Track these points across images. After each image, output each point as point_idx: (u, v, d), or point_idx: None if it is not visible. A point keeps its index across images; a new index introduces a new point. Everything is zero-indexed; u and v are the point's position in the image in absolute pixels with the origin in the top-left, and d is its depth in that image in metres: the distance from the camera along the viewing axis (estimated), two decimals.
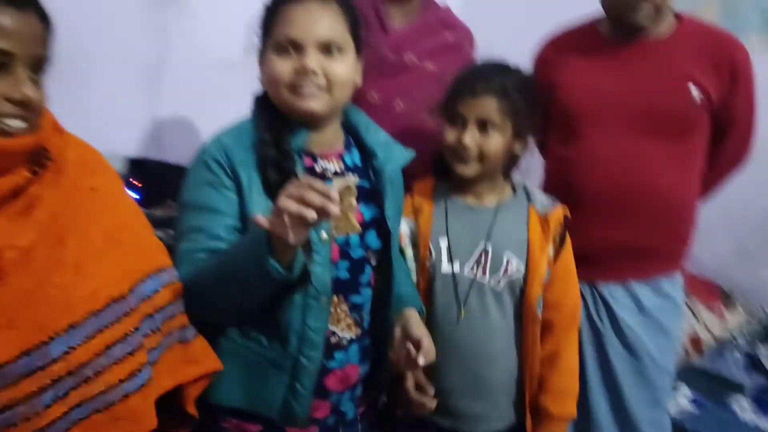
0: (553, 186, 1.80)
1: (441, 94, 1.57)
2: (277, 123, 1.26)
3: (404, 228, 1.54)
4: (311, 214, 0.99)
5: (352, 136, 1.41)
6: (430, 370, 1.39)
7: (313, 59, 1.23)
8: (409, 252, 1.52)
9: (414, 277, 1.52)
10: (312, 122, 1.30)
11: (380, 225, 1.38)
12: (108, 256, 1.02)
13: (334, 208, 1.01)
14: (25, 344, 0.90)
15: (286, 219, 1.01)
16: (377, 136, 1.38)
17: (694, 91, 1.63)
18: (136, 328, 1.02)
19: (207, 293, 1.17)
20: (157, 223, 2.35)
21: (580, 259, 1.72)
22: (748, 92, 1.71)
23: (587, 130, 1.72)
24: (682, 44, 1.68)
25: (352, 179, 1.27)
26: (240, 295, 1.17)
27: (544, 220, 1.49)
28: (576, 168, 1.74)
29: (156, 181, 2.38)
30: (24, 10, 0.96)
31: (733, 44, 1.70)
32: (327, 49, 1.25)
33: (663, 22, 1.67)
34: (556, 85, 1.77)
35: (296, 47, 1.23)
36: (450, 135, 1.49)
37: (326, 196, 1.00)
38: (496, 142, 1.44)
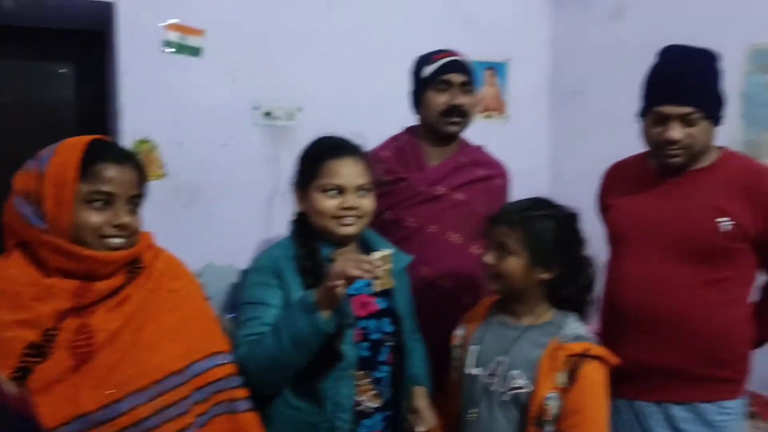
0: (604, 302, 1.90)
1: (469, 219, 1.86)
2: (310, 240, 1.64)
3: (459, 332, 1.79)
4: (362, 274, 1.41)
5: (365, 247, 1.73)
6: None
7: (353, 199, 1.61)
8: (456, 352, 1.76)
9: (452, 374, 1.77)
10: (346, 241, 1.67)
11: (393, 313, 1.69)
12: (176, 340, 1.34)
13: (378, 270, 1.44)
14: (104, 401, 1.23)
15: (340, 279, 1.41)
16: (384, 246, 1.69)
17: (724, 222, 1.68)
18: (188, 396, 1.32)
19: (264, 358, 1.50)
20: None
21: (620, 376, 1.78)
22: None
23: (625, 251, 1.84)
24: (718, 176, 1.73)
25: (387, 251, 1.56)
26: (292, 352, 1.48)
27: (559, 348, 1.56)
28: (615, 286, 1.85)
29: None
30: (123, 164, 1.35)
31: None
32: (361, 190, 1.63)
33: (707, 155, 1.75)
34: (607, 208, 1.92)
35: (341, 190, 1.61)
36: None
37: (371, 263, 1.44)
38: (510, 265, 1.60)
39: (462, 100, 1.96)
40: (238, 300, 1.68)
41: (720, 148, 1.80)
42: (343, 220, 1.62)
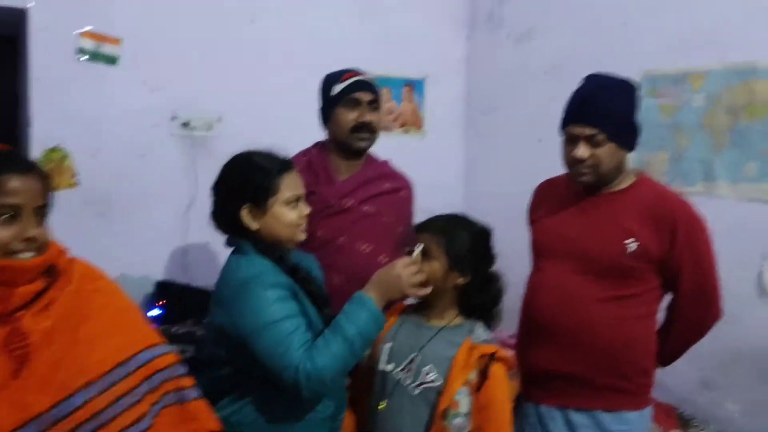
0: (522, 310, 1.98)
1: (377, 229, 1.96)
2: (277, 253, 1.65)
3: None
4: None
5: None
6: None
7: (305, 207, 1.69)
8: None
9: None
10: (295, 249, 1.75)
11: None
12: (114, 335, 1.36)
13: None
14: (55, 399, 1.23)
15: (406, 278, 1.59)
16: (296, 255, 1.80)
17: (630, 243, 1.75)
18: (138, 385, 1.34)
19: (341, 357, 1.52)
20: (176, 339, 2.74)
21: (528, 380, 1.93)
22: (694, 252, 1.78)
23: (543, 264, 1.93)
24: (631, 199, 1.81)
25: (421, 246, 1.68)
26: (363, 349, 1.59)
27: (473, 348, 1.66)
28: (532, 296, 1.94)
29: (178, 301, 2.77)
30: (26, 174, 1.32)
31: (675, 203, 1.80)
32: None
33: (623, 179, 1.85)
34: (533, 223, 2.00)
35: (299, 200, 1.66)
36: None
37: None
38: (432, 267, 1.70)
39: (370, 117, 2.05)
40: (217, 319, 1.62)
41: (638, 172, 1.92)
42: (302, 228, 1.67)
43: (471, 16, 3.75)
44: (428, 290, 1.67)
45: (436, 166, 3.63)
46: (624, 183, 1.85)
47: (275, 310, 1.53)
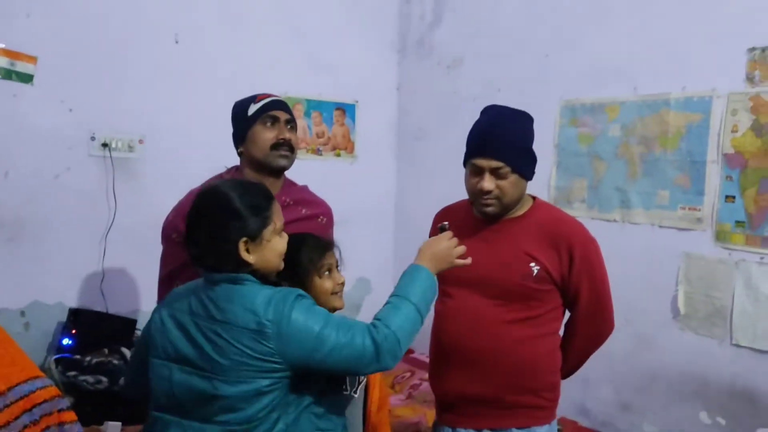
0: (432, 336, 1.99)
1: None
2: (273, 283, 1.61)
3: None
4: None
5: None
6: None
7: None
8: None
9: None
10: None
11: None
12: None
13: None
14: None
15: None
16: None
17: (534, 267, 1.80)
18: (17, 417, 1.31)
19: (411, 322, 1.53)
20: (88, 369, 2.62)
21: (443, 406, 1.93)
22: (590, 271, 1.85)
23: (450, 290, 1.92)
24: (528, 225, 1.86)
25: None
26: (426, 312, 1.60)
27: None
28: (440, 322, 1.95)
29: (91, 329, 2.66)
30: None
31: (571, 226, 1.88)
32: None
33: (521, 205, 1.88)
34: None
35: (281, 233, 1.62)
36: None
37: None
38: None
39: (290, 135, 2.03)
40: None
41: (533, 198, 1.96)
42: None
43: (402, 42, 3.80)
44: (470, 261, 1.72)
45: (367, 190, 3.65)
46: (522, 209, 1.90)
47: (318, 310, 1.49)
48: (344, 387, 1.68)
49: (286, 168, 2.05)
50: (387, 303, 1.55)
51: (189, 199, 1.97)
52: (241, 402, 1.41)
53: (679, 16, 2.50)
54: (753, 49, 2.31)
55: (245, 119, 2.00)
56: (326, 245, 1.75)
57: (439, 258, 1.67)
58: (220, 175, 2.02)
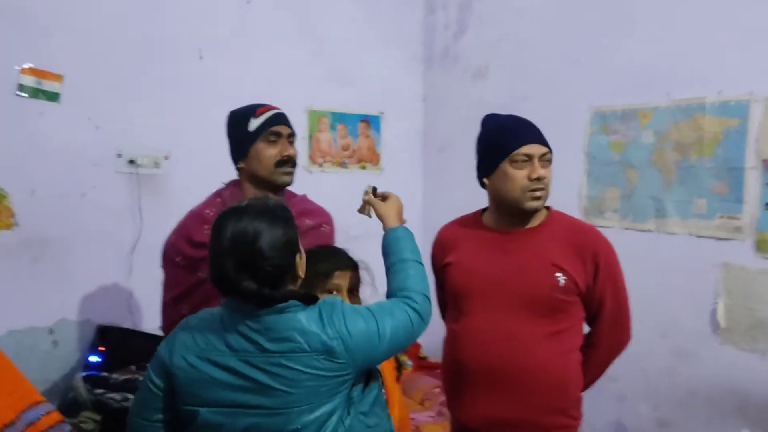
0: (446, 357, 1.92)
1: None
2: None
3: None
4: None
5: None
6: None
7: None
8: None
9: None
10: None
11: None
12: None
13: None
14: None
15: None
16: None
17: (560, 277, 1.74)
18: None
19: (422, 279, 1.61)
20: (115, 387, 2.61)
21: (466, 430, 1.86)
22: (613, 279, 1.81)
23: (469, 307, 1.85)
24: (550, 234, 1.80)
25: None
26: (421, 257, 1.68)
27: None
28: (458, 342, 1.86)
29: (119, 346, 2.65)
30: None
31: (593, 235, 1.84)
32: None
33: (538, 214, 1.83)
34: (447, 266, 1.91)
35: None
36: None
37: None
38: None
39: (292, 151, 1.98)
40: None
41: (547, 207, 1.89)
42: None
43: (427, 52, 3.77)
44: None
45: None
46: (539, 218, 1.85)
47: (361, 309, 1.50)
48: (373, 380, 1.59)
49: (289, 185, 2.01)
50: (392, 272, 1.63)
51: (191, 221, 1.95)
52: (314, 424, 1.37)
53: (712, 18, 2.42)
54: None
55: (246, 135, 1.94)
56: (340, 264, 1.73)
57: (400, 213, 1.77)
58: (219, 192, 1.99)
